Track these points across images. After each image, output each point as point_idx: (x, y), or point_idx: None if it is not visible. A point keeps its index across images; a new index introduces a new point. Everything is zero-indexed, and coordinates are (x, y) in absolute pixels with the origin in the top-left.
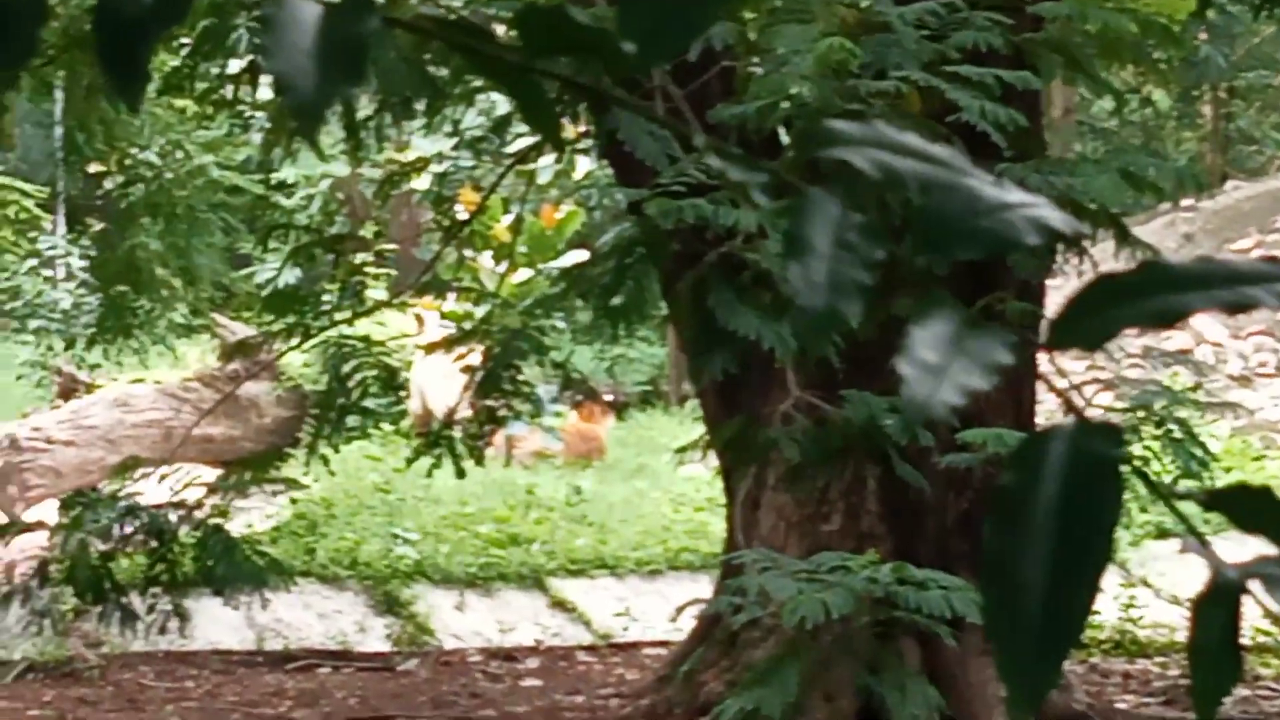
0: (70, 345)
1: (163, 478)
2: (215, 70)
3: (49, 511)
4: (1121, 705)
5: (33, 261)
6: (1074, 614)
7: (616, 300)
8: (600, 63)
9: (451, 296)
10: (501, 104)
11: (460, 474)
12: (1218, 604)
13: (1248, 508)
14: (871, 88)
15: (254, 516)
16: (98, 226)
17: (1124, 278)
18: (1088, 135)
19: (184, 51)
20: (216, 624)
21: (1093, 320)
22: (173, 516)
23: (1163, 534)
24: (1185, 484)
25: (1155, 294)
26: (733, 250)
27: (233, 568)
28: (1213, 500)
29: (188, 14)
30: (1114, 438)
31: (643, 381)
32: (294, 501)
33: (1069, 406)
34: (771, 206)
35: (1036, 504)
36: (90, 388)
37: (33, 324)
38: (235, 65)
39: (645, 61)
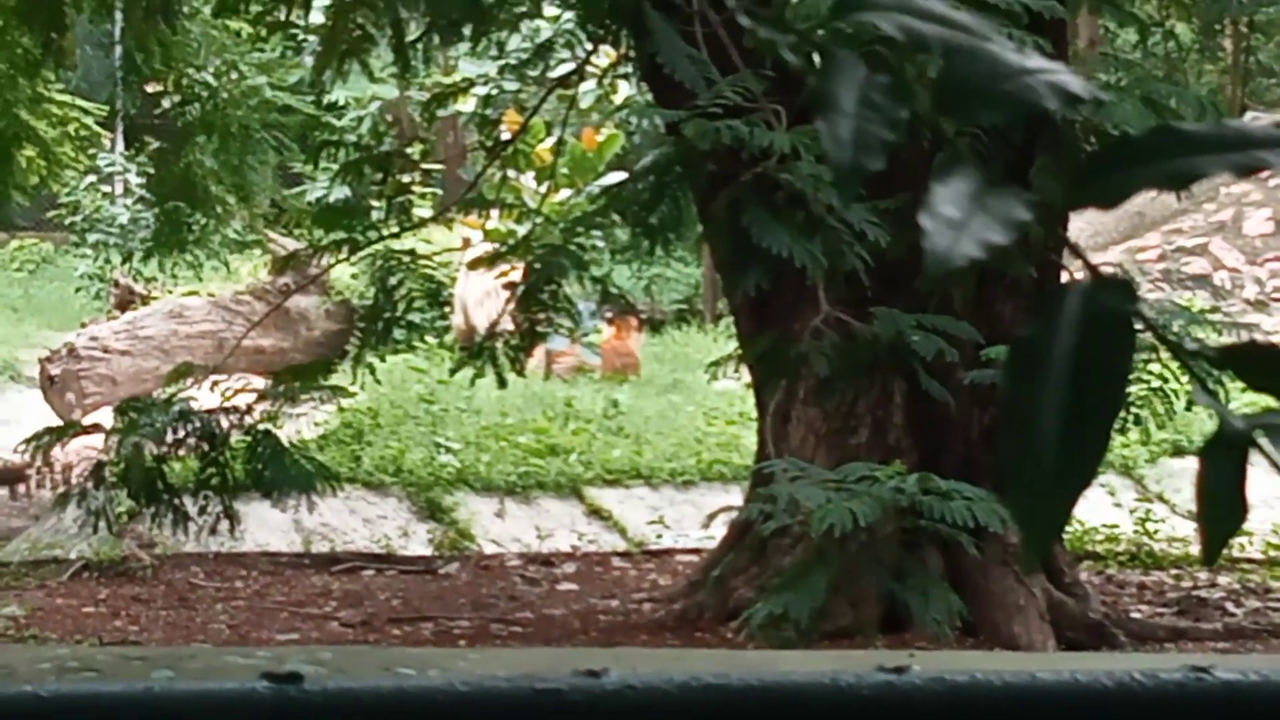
0: (127, 258)
1: (214, 385)
2: None
3: (105, 418)
4: (1136, 615)
5: (92, 178)
6: (1087, 457)
7: (654, 218)
8: None
9: (494, 215)
10: (545, 30)
11: (501, 385)
12: (1225, 453)
13: (1258, 364)
14: None
15: (302, 424)
16: (155, 144)
17: (1141, 139)
18: (1112, 67)
19: None
20: (265, 527)
21: (1110, 178)
22: (224, 422)
23: (1179, 451)
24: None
25: (1171, 156)
26: (767, 171)
27: (281, 472)
28: (1223, 356)
29: None
30: (1128, 293)
31: (679, 300)
32: (341, 410)
33: (1086, 265)
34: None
35: (1053, 353)
36: (146, 299)
37: (91, 238)
38: None
39: None
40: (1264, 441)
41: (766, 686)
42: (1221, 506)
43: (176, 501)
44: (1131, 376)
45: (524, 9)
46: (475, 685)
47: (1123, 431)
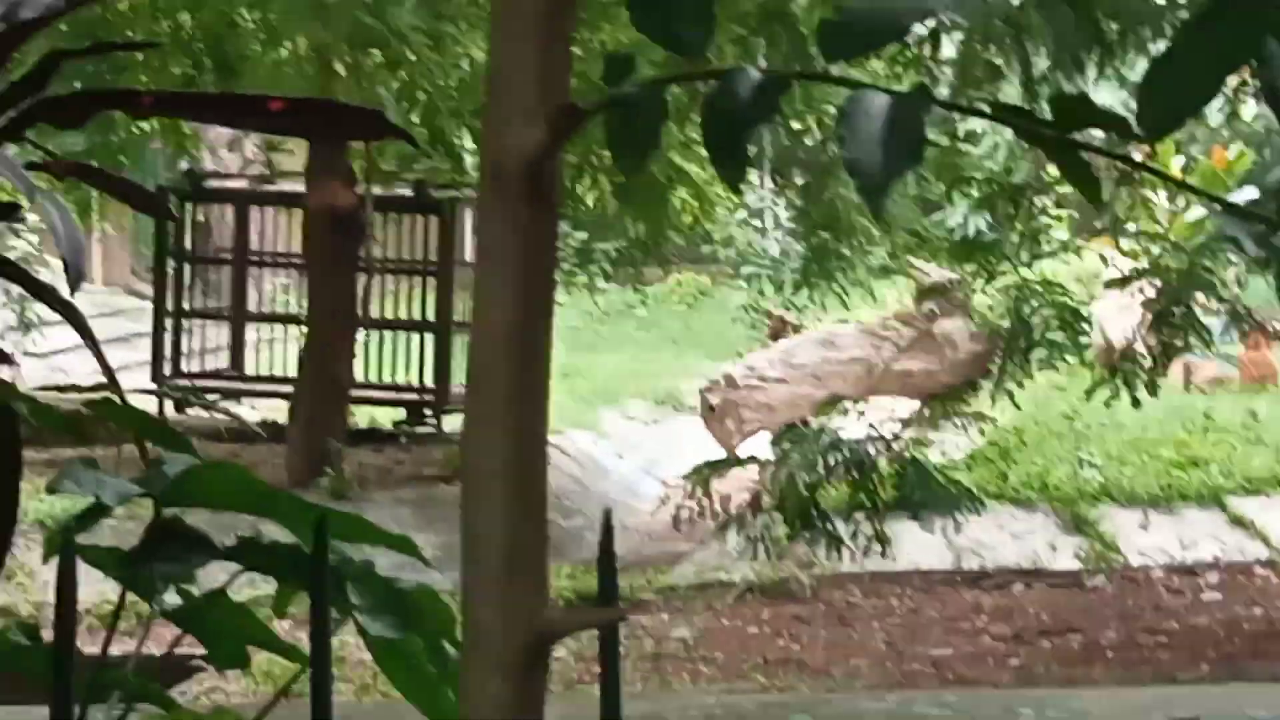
0: (779, 289)
1: (860, 413)
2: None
3: (759, 445)
4: None
5: (743, 214)
6: None
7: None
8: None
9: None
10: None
11: (1135, 404)
12: None
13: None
14: None
15: (948, 445)
16: (800, 179)
17: None
18: None
19: None
20: (916, 545)
21: None
22: (871, 449)
23: None
24: None
25: None
26: None
27: (928, 494)
28: None
29: (778, 109)
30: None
31: None
32: (982, 432)
33: None
34: None
35: None
36: (797, 328)
37: (745, 270)
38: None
39: (1155, 137)
40: None
41: None
42: None
43: (830, 526)
44: None
45: (1147, 36)
46: None
47: None
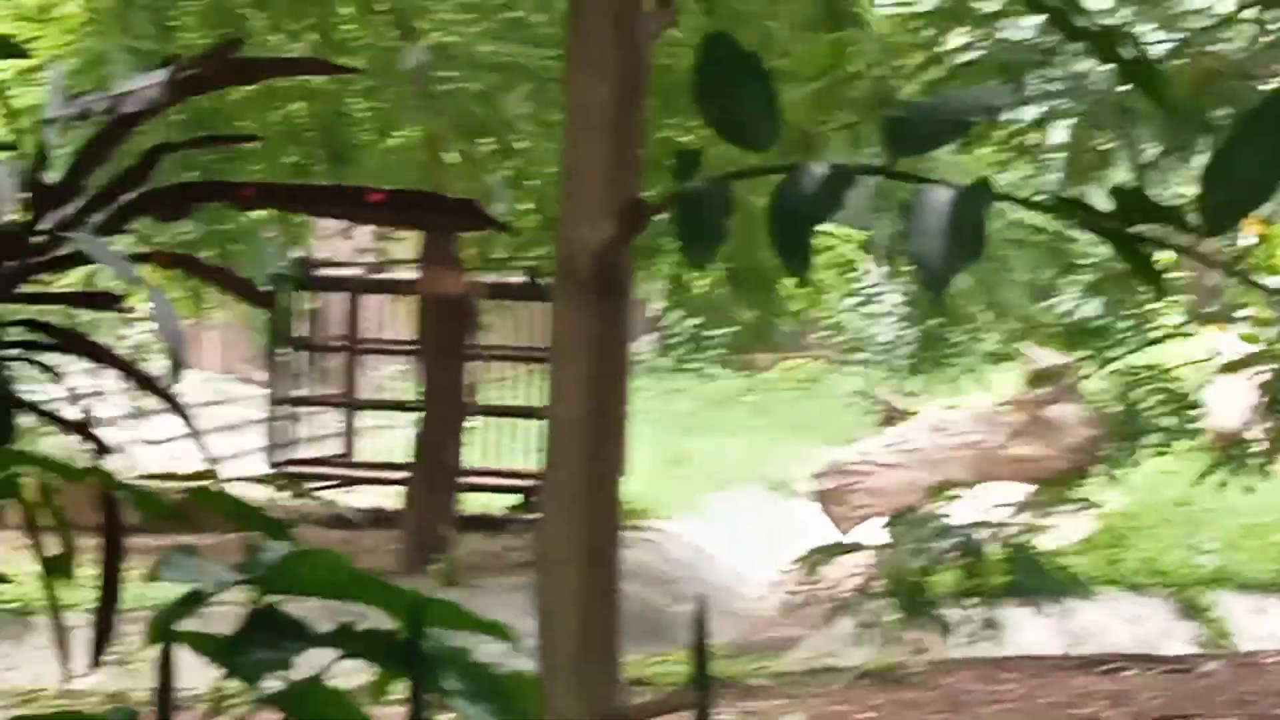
0: (891, 375)
1: (973, 499)
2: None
3: (869, 530)
4: None
5: (853, 300)
6: None
7: None
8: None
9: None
10: None
11: (1249, 489)
12: None
13: None
14: None
15: (1063, 530)
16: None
17: None
18: None
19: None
20: (1030, 630)
21: None
22: (982, 534)
23: None
24: None
25: None
26: None
27: (1038, 580)
28: None
29: (841, 208)
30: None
31: None
32: (1098, 517)
33: None
34: None
35: None
36: (908, 414)
37: (857, 356)
38: (1030, 113)
39: (1215, 232)
40: None
41: None
42: None
43: (941, 611)
44: None
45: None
46: None
47: None
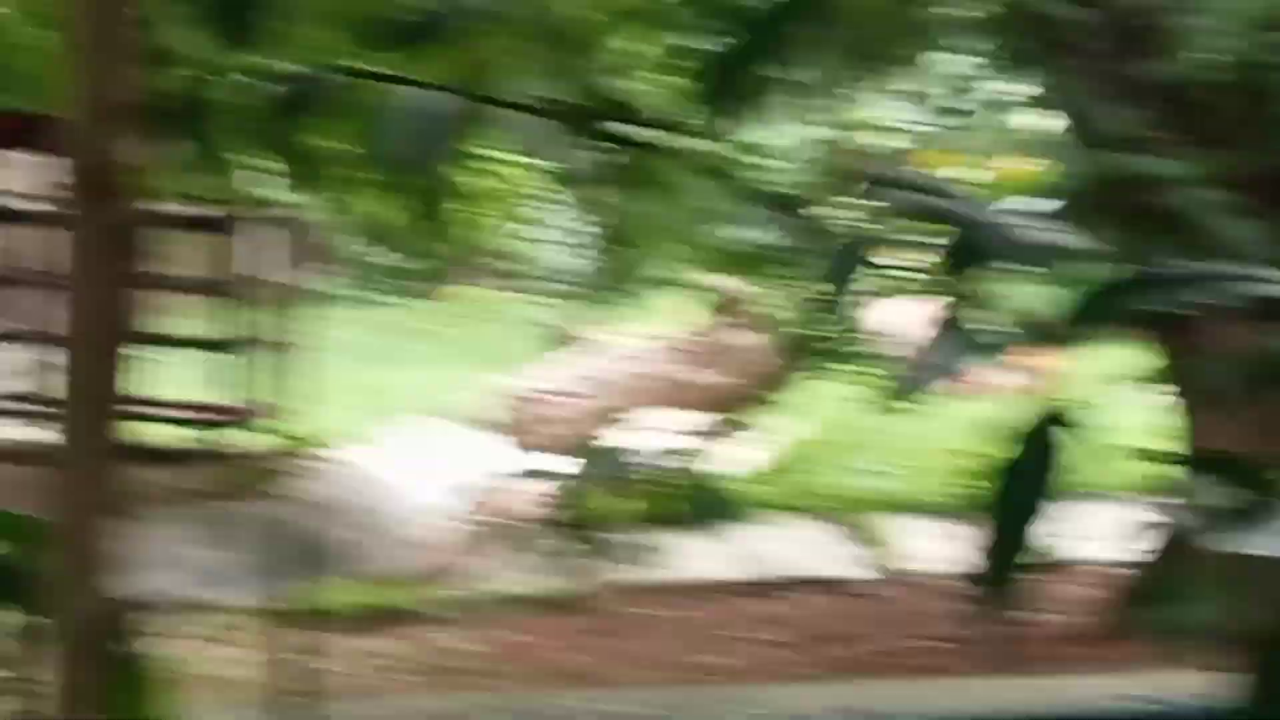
0: (574, 303)
1: (656, 427)
2: None
3: (550, 461)
4: None
5: (531, 228)
6: None
7: None
8: None
9: None
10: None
11: (921, 414)
12: None
13: None
14: None
15: (745, 457)
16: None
17: None
18: None
19: None
20: (704, 557)
21: None
22: (662, 462)
23: None
24: None
25: None
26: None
27: (715, 506)
28: None
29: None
30: None
31: None
32: (780, 444)
33: None
34: None
35: None
36: (592, 342)
37: (539, 286)
38: None
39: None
40: None
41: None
42: None
43: (619, 539)
44: None
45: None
46: None
47: None
